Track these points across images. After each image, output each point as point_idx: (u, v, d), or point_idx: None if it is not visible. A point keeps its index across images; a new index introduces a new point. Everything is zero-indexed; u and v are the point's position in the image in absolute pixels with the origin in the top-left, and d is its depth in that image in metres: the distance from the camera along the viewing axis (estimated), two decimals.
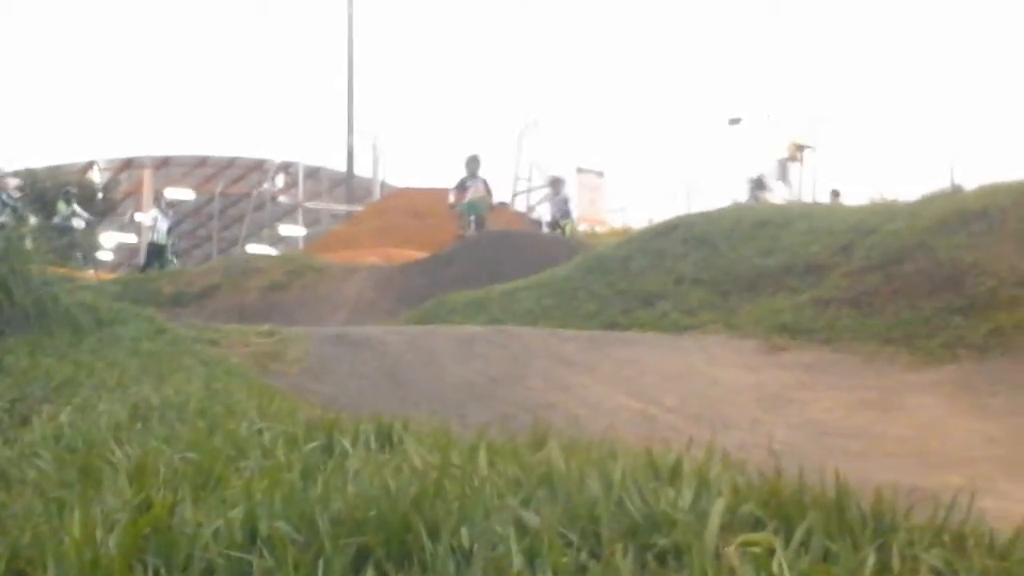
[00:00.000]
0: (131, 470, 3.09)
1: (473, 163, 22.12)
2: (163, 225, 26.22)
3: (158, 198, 27.69)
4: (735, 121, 28.86)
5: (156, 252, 25.89)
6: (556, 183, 25.18)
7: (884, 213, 13.44)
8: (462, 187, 21.82)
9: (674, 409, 8.93)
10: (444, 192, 25.72)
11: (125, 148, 43.25)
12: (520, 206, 30.28)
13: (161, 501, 2.54)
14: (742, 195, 25.13)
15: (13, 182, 26.58)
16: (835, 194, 25.86)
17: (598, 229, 26.99)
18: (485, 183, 21.95)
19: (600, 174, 29.96)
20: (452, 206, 22.00)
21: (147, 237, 26.88)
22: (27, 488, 3.26)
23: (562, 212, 24.22)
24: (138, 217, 28.14)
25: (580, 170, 29.28)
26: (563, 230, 23.41)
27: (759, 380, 10.01)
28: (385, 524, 2.37)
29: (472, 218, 21.35)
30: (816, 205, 20.25)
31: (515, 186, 30.89)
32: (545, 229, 24.18)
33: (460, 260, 18.09)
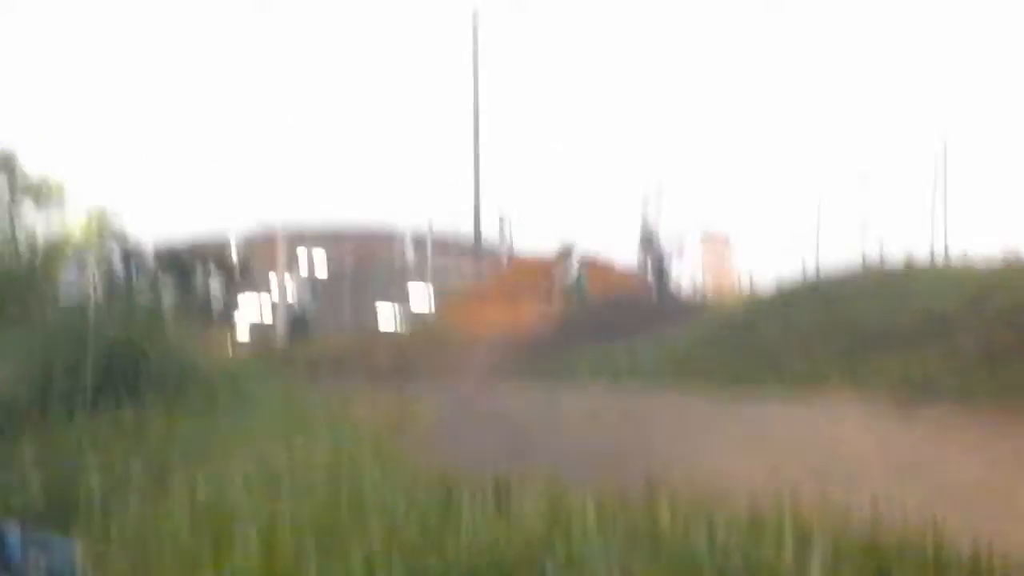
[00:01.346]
0: (260, 530, 3.25)
1: (567, 252, 23.70)
2: (306, 295, 26.99)
3: (296, 268, 28.48)
4: (866, 176, 28.44)
5: (299, 323, 26.61)
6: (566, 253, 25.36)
7: (1013, 268, 13.16)
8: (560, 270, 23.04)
9: (800, 469, 8.84)
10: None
11: (261, 219, 44.39)
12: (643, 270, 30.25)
13: (285, 563, 2.68)
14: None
15: (150, 250, 27.62)
16: None
17: (726, 294, 26.80)
18: (579, 266, 23.23)
19: (726, 238, 29.78)
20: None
21: (287, 307, 27.63)
22: (165, 547, 3.45)
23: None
24: (272, 289, 28.86)
25: (705, 234, 29.15)
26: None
27: (888, 439, 9.83)
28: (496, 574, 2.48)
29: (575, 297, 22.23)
30: (945, 262, 19.84)
31: (642, 253, 30.85)
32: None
33: (584, 324, 18.19)
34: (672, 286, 25.27)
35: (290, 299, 27.51)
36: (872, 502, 4.12)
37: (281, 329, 27.25)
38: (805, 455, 9.24)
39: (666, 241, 26.42)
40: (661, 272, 24.75)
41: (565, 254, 23.84)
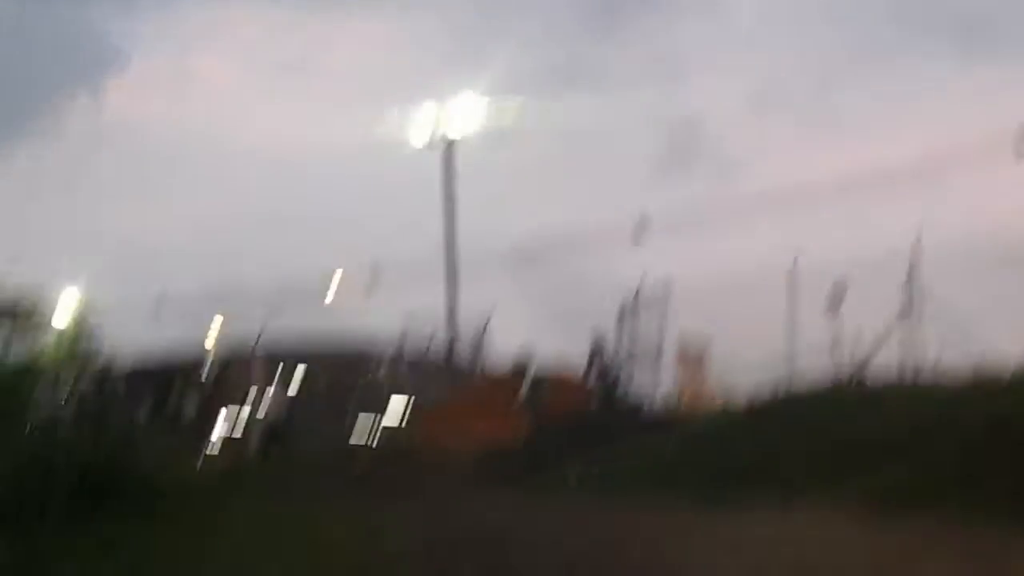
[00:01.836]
0: None
1: (522, 369, 24.93)
2: (281, 411, 26.99)
3: (272, 385, 28.53)
4: (836, 299, 28.65)
5: (274, 437, 26.56)
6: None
7: (983, 383, 13.30)
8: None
9: None
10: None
11: (237, 336, 44.33)
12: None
13: None
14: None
15: (124, 367, 27.52)
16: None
17: (701, 403, 26.85)
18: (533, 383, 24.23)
19: (701, 351, 29.88)
20: None
21: (263, 422, 27.60)
22: None
23: None
24: (247, 404, 28.80)
25: (679, 347, 29.28)
26: None
27: (866, 552, 9.82)
28: None
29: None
30: (918, 378, 19.98)
31: (614, 364, 30.95)
32: None
33: (564, 438, 18.22)
34: (623, 398, 25.60)
35: (266, 414, 27.45)
36: None
37: (255, 443, 27.14)
38: (787, 570, 9.24)
39: (619, 353, 26.82)
40: (608, 385, 25.06)
41: (520, 371, 24.28)
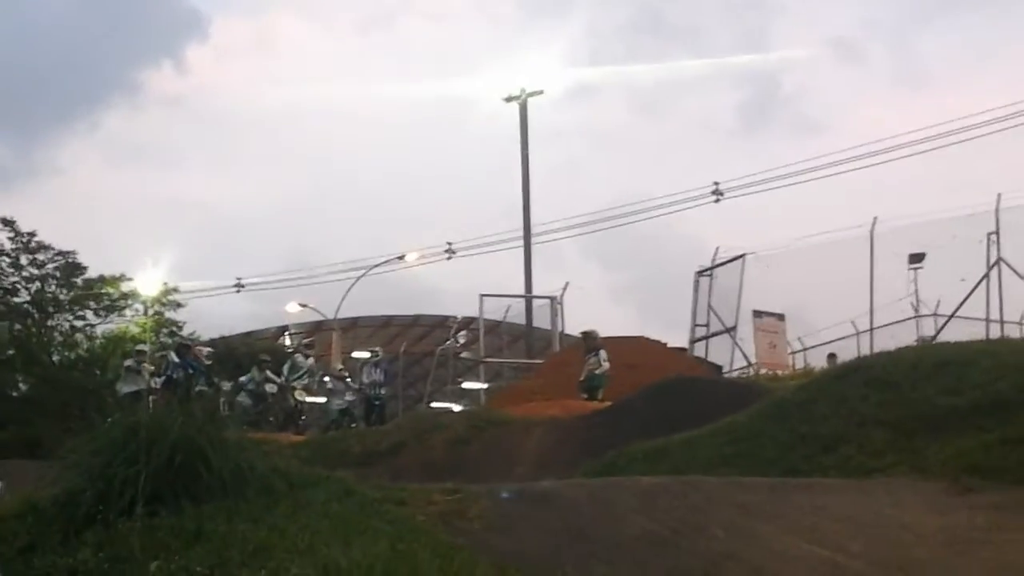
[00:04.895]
0: None
1: (590, 339, 24.25)
2: (379, 378, 27.36)
3: (374, 354, 28.85)
4: (917, 257, 28.28)
5: (373, 407, 26.97)
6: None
7: None
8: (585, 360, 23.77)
9: (860, 555, 8.78)
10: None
11: (315, 313, 45.05)
12: (699, 352, 30.24)
13: None
14: None
15: (205, 350, 28.01)
16: (832, 357, 25.26)
17: (780, 372, 26.64)
18: (597, 354, 23.53)
19: (780, 316, 29.68)
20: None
21: (358, 392, 27.96)
22: None
23: None
24: (326, 379, 29.14)
25: (758, 313, 29.09)
26: None
27: (948, 523, 9.72)
28: None
29: (584, 394, 23.02)
30: (1003, 340, 19.61)
31: (693, 332, 30.89)
32: None
33: (640, 409, 18.14)
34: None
35: (360, 386, 27.82)
36: None
37: (351, 416, 27.51)
38: (869, 539, 9.19)
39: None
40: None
41: (588, 339, 24.32)
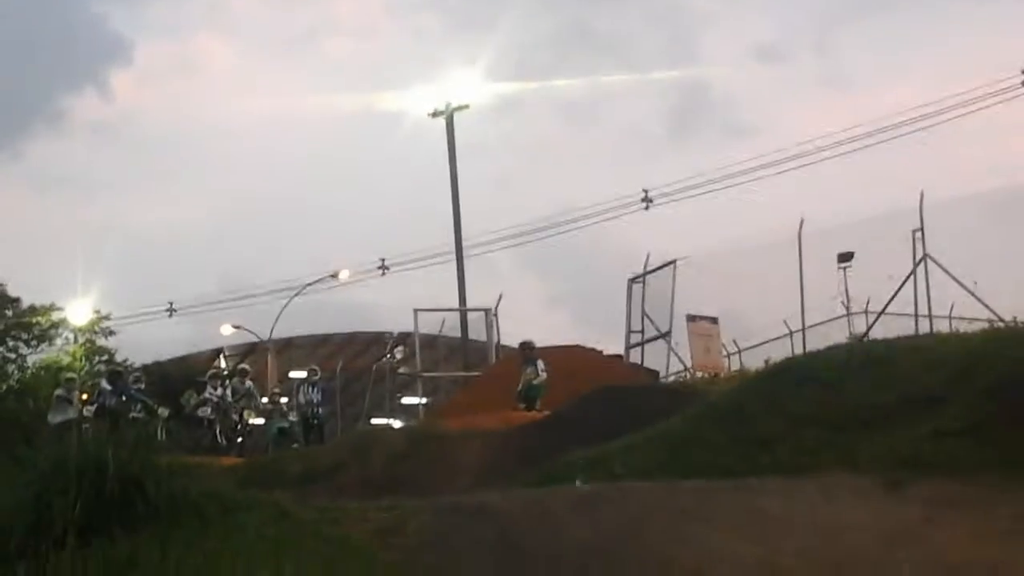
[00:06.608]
0: None
1: (527, 349, 24.55)
2: (316, 398, 27.29)
3: (311, 373, 28.81)
4: (845, 256, 28.61)
5: (311, 426, 26.91)
6: None
7: (1000, 339, 13.26)
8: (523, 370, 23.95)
9: (795, 553, 8.89)
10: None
11: (249, 335, 44.72)
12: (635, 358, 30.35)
13: None
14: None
15: (134, 375, 27.79)
16: None
17: (719, 375, 26.82)
18: (535, 364, 23.77)
19: (714, 320, 29.89)
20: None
21: (296, 410, 27.89)
22: None
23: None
24: (264, 400, 28.96)
25: (691, 317, 29.27)
26: None
27: (881, 518, 9.85)
28: None
29: (523, 404, 23.17)
30: (928, 335, 19.95)
31: (628, 338, 30.99)
32: None
33: (578, 418, 18.20)
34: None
35: (296, 406, 27.74)
36: None
37: (289, 436, 27.40)
38: (803, 538, 9.29)
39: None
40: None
41: (525, 349, 24.54)
